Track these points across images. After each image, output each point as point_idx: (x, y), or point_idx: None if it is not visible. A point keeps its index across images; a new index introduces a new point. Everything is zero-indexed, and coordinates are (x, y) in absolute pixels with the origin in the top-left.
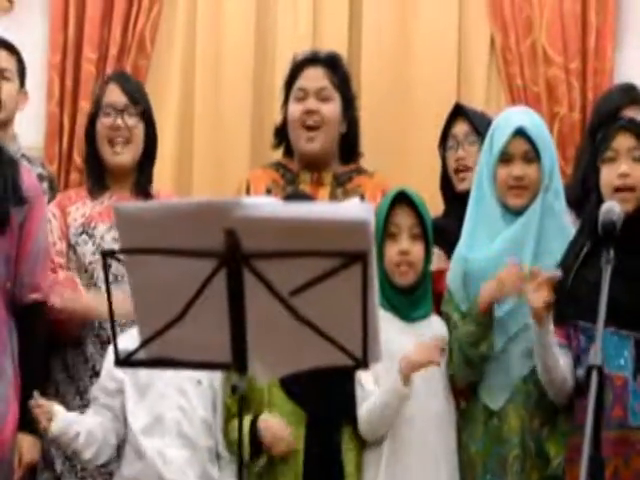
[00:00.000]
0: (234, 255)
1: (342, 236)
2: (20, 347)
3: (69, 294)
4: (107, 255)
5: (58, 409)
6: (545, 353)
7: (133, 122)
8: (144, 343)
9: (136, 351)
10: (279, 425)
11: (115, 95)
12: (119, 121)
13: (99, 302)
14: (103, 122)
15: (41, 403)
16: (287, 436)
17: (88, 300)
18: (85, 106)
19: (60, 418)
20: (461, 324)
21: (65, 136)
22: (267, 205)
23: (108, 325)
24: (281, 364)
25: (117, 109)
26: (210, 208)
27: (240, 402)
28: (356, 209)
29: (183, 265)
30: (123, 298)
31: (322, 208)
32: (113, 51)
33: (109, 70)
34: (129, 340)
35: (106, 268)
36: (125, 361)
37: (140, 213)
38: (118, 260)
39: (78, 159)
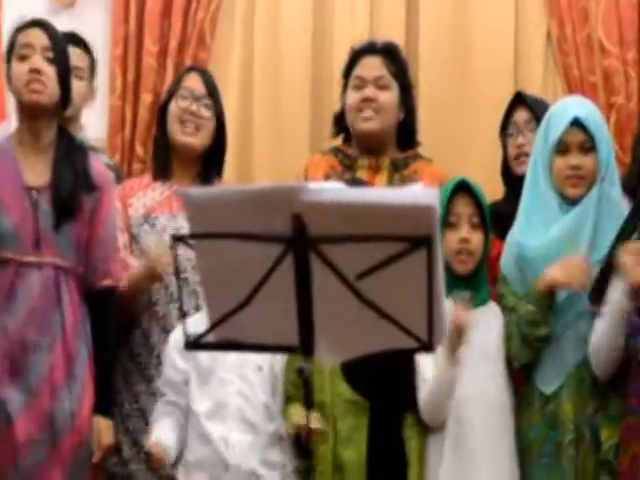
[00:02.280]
0: (301, 240)
1: (408, 220)
2: (93, 332)
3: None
4: (177, 240)
5: (169, 449)
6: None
7: (207, 114)
8: (213, 326)
9: (205, 334)
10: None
11: (194, 82)
12: (194, 107)
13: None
14: (179, 103)
15: (156, 444)
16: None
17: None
18: (147, 98)
19: (171, 450)
20: (521, 304)
21: (127, 128)
22: (333, 190)
23: (172, 314)
24: (347, 347)
25: (195, 95)
26: (277, 193)
27: (305, 385)
28: (422, 193)
29: (251, 249)
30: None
31: (388, 192)
32: (173, 44)
33: (169, 63)
34: (195, 324)
35: (176, 253)
36: (194, 344)
37: (208, 198)
38: (188, 245)
39: (140, 150)
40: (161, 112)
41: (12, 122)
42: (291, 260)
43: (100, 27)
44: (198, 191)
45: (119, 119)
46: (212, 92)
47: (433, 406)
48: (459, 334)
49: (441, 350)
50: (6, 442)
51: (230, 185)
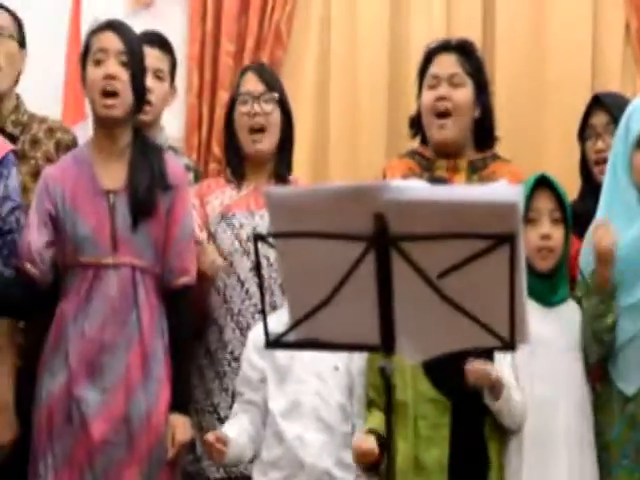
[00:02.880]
0: (382, 238)
1: (491, 218)
2: (170, 330)
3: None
4: (259, 239)
5: (231, 438)
6: None
7: (269, 108)
8: (294, 325)
9: (286, 333)
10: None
11: (252, 83)
12: (256, 107)
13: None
14: (240, 110)
15: (217, 435)
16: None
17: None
18: (223, 97)
19: (233, 445)
20: (587, 299)
21: (204, 127)
22: (415, 188)
23: (247, 312)
24: (428, 345)
25: (253, 96)
26: (359, 192)
27: (387, 384)
28: (505, 191)
29: (332, 248)
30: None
31: (470, 190)
32: (250, 43)
33: (246, 62)
34: (274, 322)
35: (257, 252)
36: (275, 343)
37: (290, 197)
38: (269, 244)
39: (217, 150)
40: (227, 119)
41: (90, 122)
42: (372, 258)
43: (177, 26)
44: (280, 190)
45: (196, 118)
46: (269, 84)
47: (508, 412)
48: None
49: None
50: (82, 442)
51: (310, 184)
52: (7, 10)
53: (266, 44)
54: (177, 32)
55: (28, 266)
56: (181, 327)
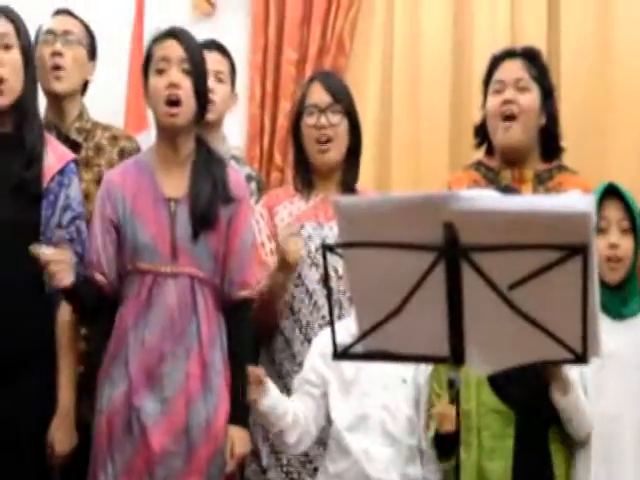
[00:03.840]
0: (453, 248)
1: (563, 228)
2: (229, 342)
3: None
4: (327, 249)
5: (270, 385)
6: None
7: (336, 120)
8: (363, 336)
9: (354, 344)
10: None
11: (318, 94)
12: (322, 120)
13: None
14: (307, 121)
15: (258, 373)
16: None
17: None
18: (285, 107)
19: (271, 395)
20: None
21: (266, 137)
22: (485, 198)
23: (315, 324)
24: (498, 357)
25: (320, 108)
26: (428, 202)
27: (456, 396)
28: (577, 201)
29: (401, 258)
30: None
31: (542, 200)
32: (313, 51)
33: (309, 70)
34: (342, 333)
35: (325, 263)
36: (342, 354)
37: (359, 207)
38: (338, 254)
39: (279, 159)
40: (294, 130)
41: (153, 130)
42: (442, 269)
43: (239, 35)
44: (349, 200)
45: (258, 128)
46: (336, 95)
47: (574, 423)
48: None
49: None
50: (142, 452)
51: (378, 194)
52: (81, 21)
53: (329, 52)
54: (239, 41)
55: (98, 276)
56: (241, 340)
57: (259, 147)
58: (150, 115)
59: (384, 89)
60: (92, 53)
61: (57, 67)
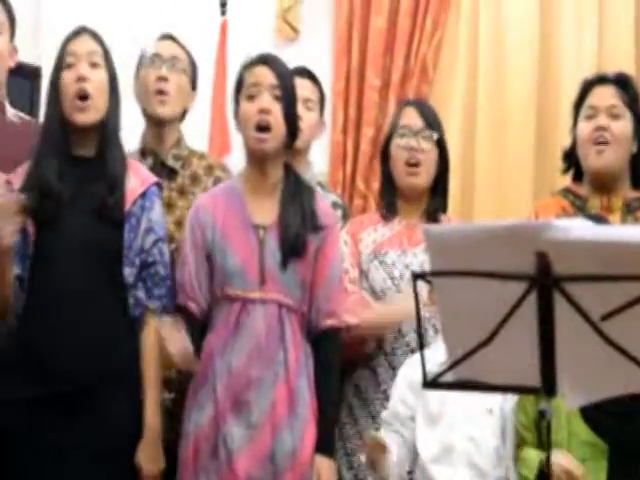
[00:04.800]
0: (545, 278)
1: None
2: (315, 371)
3: (362, 311)
4: (417, 277)
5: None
6: None
7: (427, 146)
8: (453, 365)
9: (445, 372)
10: (574, 465)
11: (412, 118)
12: (413, 142)
13: (391, 311)
14: (398, 142)
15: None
16: (581, 478)
17: (381, 310)
18: (368, 133)
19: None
20: None
21: (349, 163)
22: (579, 228)
23: (399, 351)
24: (591, 389)
25: (413, 130)
26: (521, 230)
27: (547, 428)
28: None
29: (492, 287)
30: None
31: (636, 231)
32: (396, 78)
33: (392, 97)
34: (428, 361)
35: (416, 291)
36: (432, 382)
37: (450, 235)
38: (428, 282)
39: (361, 186)
40: (383, 152)
41: (236, 154)
42: (534, 298)
43: (322, 61)
44: (439, 228)
45: (341, 154)
46: (431, 123)
47: None
48: None
49: None
50: (227, 478)
51: (467, 223)
52: (185, 49)
53: (412, 78)
54: (322, 67)
55: (191, 305)
56: (327, 369)
57: (342, 173)
58: (232, 140)
59: (468, 116)
60: (194, 82)
61: (161, 92)
